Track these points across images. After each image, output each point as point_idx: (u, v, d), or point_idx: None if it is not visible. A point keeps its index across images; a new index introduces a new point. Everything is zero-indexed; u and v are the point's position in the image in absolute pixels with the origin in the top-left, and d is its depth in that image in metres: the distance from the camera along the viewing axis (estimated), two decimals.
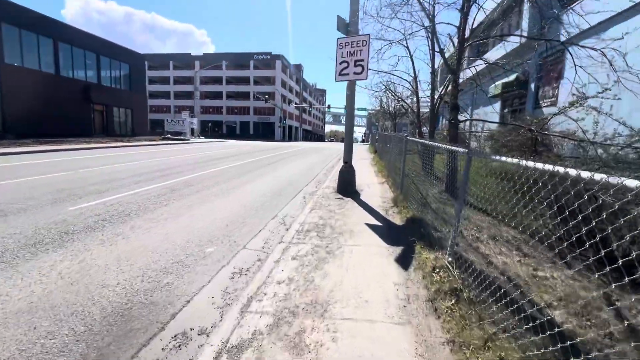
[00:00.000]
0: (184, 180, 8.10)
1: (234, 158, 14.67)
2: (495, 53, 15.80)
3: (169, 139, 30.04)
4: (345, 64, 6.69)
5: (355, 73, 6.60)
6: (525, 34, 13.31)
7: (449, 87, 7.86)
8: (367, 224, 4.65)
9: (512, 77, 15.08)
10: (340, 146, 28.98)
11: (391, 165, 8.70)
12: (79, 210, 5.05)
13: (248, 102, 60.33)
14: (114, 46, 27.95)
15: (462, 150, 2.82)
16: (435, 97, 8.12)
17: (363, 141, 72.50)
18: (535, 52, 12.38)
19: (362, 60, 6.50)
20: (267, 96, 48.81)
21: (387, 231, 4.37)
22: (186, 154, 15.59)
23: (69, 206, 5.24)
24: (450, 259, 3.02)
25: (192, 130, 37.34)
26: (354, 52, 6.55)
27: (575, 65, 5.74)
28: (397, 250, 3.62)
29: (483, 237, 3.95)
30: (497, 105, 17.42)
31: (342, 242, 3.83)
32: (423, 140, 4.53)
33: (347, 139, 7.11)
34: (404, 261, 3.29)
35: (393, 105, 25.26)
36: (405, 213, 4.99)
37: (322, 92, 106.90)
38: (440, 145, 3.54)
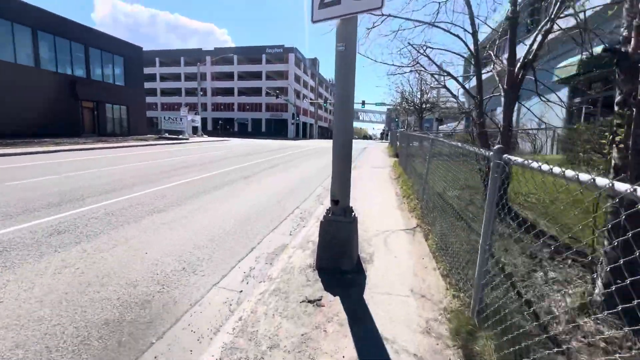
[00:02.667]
0: (79, 213, 4.69)
1: (212, 165, 11.24)
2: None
3: (165, 138, 27.28)
4: None
5: None
6: None
7: (542, 38, 3.90)
8: None
9: (595, 51, 10.66)
10: (357, 145, 23.34)
11: (431, 192, 4.88)
12: None
13: (260, 99, 57.24)
14: (105, 37, 25.39)
15: None
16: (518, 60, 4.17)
17: (381, 138, 66.94)
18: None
19: None
20: (277, 91, 45.44)
21: None
22: (159, 159, 12.34)
23: None
24: None
25: (195, 128, 34.60)
26: None
27: None
28: None
29: None
30: (562, 94, 12.90)
31: None
32: None
33: (338, 149, 3.31)
34: None
35: (419, 96, 20.78)
36: None
37: None
38: None
